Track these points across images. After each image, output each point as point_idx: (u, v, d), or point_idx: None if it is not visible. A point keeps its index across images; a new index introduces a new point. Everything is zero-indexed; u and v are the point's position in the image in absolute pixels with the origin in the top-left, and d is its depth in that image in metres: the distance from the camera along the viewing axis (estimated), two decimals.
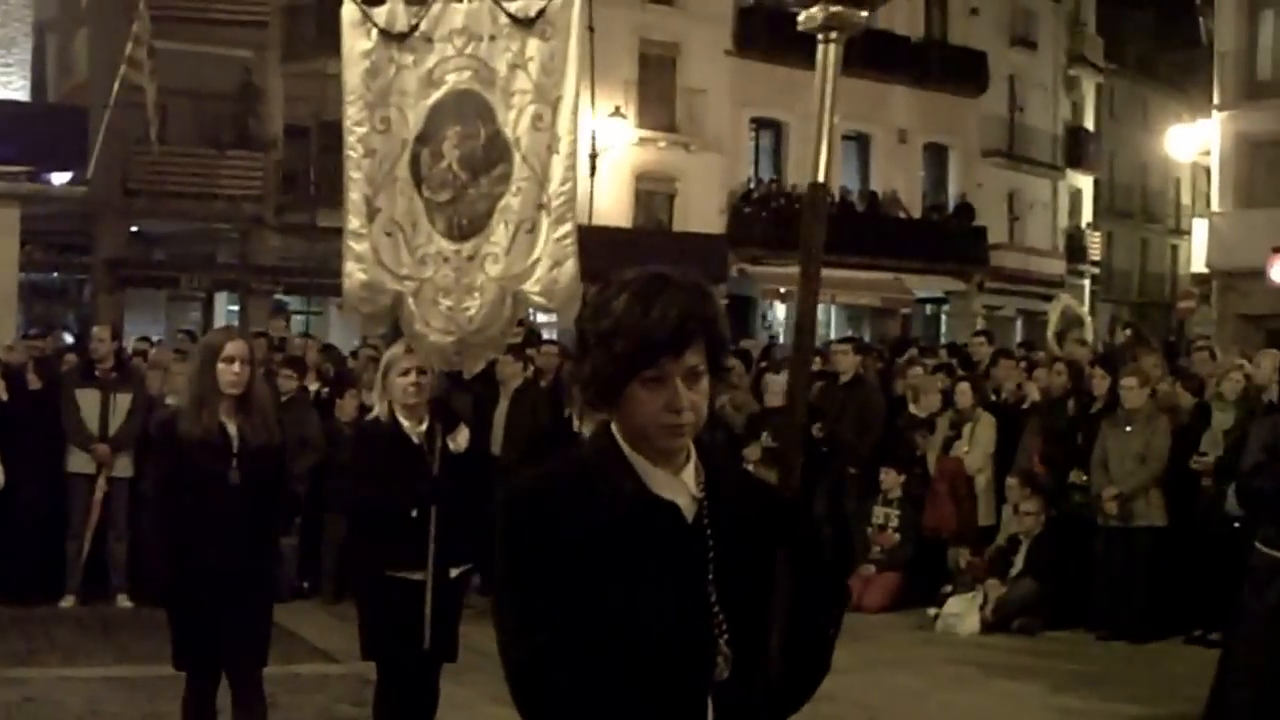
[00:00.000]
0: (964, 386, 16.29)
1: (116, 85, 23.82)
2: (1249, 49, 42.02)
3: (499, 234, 7.74)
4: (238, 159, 35.99)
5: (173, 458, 7.73)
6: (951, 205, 49.69)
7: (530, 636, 3.05)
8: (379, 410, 8.05)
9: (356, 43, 8.01)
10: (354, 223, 8.03)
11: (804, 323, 3.54)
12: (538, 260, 7.69)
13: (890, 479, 16.14)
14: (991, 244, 49.66)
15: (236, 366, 7.64)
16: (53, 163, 26.53)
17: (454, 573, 7.92)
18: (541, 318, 25.32)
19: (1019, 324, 49.76)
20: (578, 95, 7.79)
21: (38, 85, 29.86)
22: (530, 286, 7.72)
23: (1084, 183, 59.76)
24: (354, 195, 8.03)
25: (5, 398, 14.95)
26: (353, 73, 8.01)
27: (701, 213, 42.57)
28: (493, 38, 7.77)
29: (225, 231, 37.50)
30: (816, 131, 3.57)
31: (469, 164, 7.81)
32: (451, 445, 7.90)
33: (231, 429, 7.70)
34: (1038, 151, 54.58)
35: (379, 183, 7.94)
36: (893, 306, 44.96)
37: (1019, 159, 53.31)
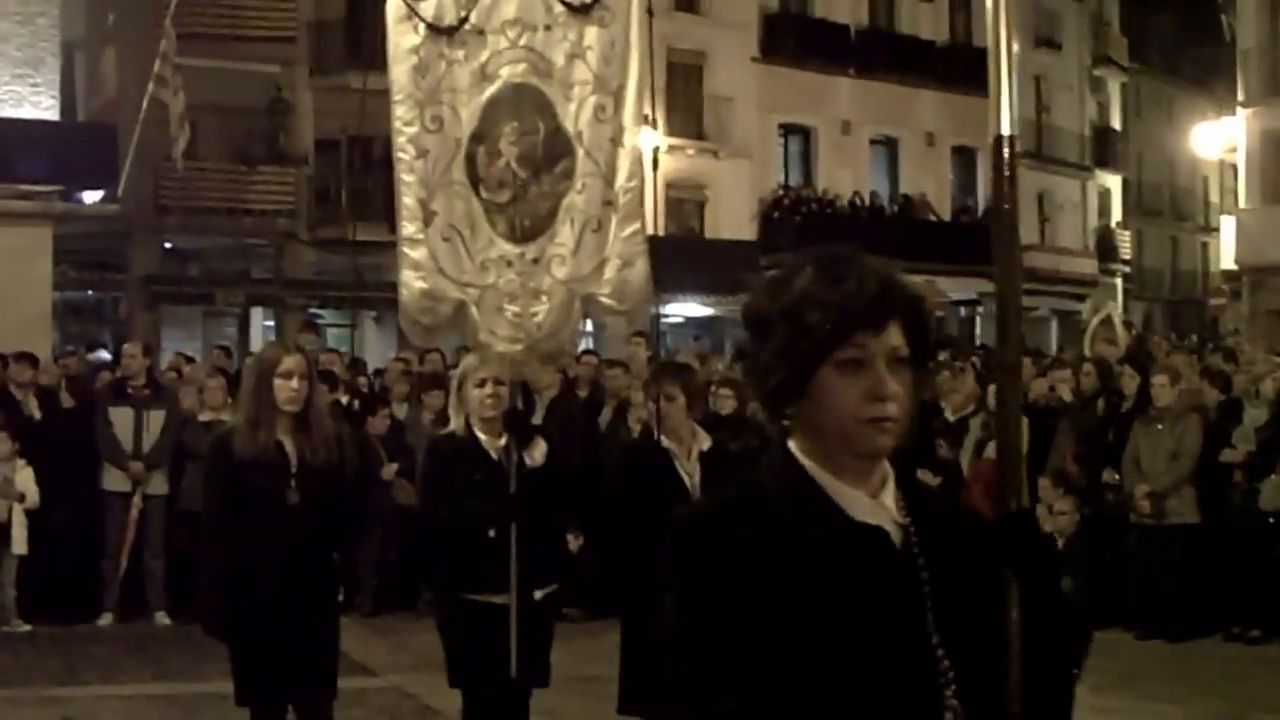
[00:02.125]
0: (995, 388, 16.19)
1: (145, 103, 23.89)
2: (1272, 46, 41.94)
3: (564, 234, 7.37)
4: (269, 174, 35.99)
5: (228, 479, 7.30)
6: (981, 207, 49.58)
7: (717, 702, 2.55)
8: (455, 424, 7.67)
9: (403, 38, 7.60)
10: (408, 228, 7.57)
11: (1007, 311, 3.10)
12: (606, 260, 7.35)
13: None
14: (1023, 245, 49.42)
15: (294, 382, 7.25)
16: (84, 181, 26.53)
17: (539, 594, 7.47)
18: None
19: (1054, 324, 49.64)
20: (641, 85, 7.46)
21: (67, 105, 29.87)
22: (600, 289, 7.36)
23: (1113, 182, 59.56)
24: (407, 199, 7.58)
25: (39, 416, 15.01)
26: (400, 70, 7.58)
27: (732, 219, 42.53)
28: (548, 27, 7.40)
29: (259, 247, 37.53)
30: (993, 72, 3.18)
31: (529, 161, 7.43)
32: (528, 460, 7.49)
33: (290, 447, 7.29)
34: (1066, 152, 54.45)
35: (433, 185, 7.50)
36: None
37: (1047, 160, 53.10)
